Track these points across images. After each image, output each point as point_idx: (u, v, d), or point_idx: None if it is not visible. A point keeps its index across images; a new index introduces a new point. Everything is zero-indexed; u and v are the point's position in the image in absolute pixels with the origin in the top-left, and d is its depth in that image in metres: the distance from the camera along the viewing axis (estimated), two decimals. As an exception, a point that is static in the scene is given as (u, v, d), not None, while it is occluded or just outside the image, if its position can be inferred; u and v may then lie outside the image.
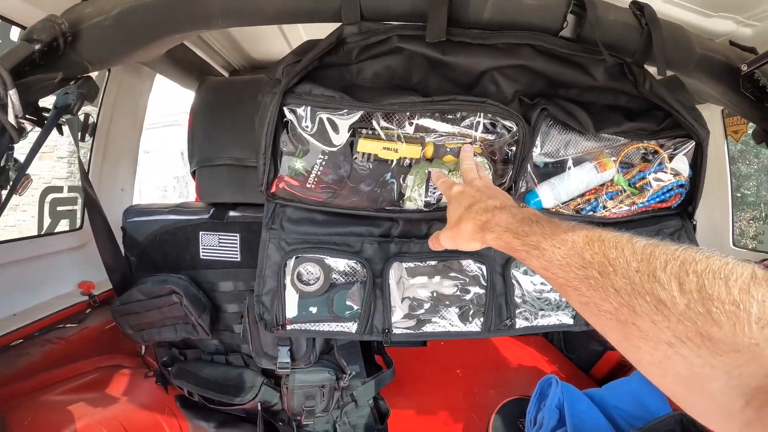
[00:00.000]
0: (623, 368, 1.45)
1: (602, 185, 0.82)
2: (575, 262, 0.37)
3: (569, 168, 0.81)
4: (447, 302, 0.86)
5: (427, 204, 0.79)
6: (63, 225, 1.40)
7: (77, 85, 0.72)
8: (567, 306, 0.88)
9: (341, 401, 1.15)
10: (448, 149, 0.77)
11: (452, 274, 0.86)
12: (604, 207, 0.82)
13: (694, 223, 0.88)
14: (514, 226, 0.47)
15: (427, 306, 0.85)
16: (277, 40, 1.44)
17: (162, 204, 1.11)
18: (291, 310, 0.83)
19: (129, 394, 1.09)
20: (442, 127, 0.74)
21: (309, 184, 0.77)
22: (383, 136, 0.74)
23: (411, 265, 0.85)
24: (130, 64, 1.23)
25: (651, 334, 0.29)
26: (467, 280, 0.86)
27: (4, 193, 0.68)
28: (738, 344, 0.25)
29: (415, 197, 0.78)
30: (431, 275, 0.85)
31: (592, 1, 0.67)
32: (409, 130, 0.74)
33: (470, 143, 0.76)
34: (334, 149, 0.74)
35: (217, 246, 1.04)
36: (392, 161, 0.76)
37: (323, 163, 0.75)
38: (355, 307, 0.84)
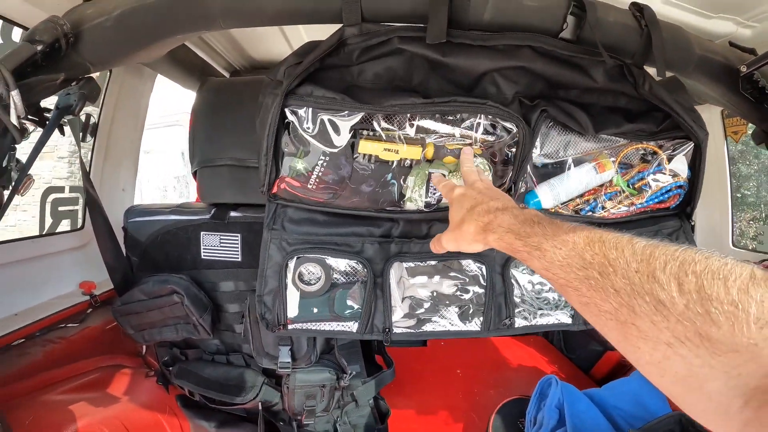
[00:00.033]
0: (623, 368, 1.45)
1: (601, 186, 0.82)
2: (576, 263, 0.37)
3: (569, 169, 0.81)
4: (447, 302, 0.86)
5: (427, 204, 0.79)
6: (64, 225, 1.41)
7: (79, 85, 0.72)
8: (566, 305, 0.88)
9: (342, 401, 1.15)
10: (449, 150, 0.77)
11: (452, 274, 0.86)
12: (603, 207, 0.82)
13: (693, 223, 0.88)
14: (516, 227, 0.47)
15: (427, 305, 0.86)
16: (278, 41, 1.44)
17: (163, 204, 1.12)
18: (292, 309, 0.83)
19: (130, 394, 1.09)
20: (443, 128, 0.74)
21: (310, 184, 0.78)
22: (384, 137, 0.74)
23: (411, 264, 0.85)
24: (131, 64, 1.24)
25: (650, 334, 0.30)
26: (467, 279, 0.86)
27: (6, 193, 0.68)
28: (736, 344, 0.25)
29: (415, 198, 0.78)
30: (431, 275, 0.85)
31: (592, 2, 0.68)
32: (410, 131, 0.74)
33: (470, 145, 0.76)
34: (335, 150, 0.74)
35: (218, 246, 1.04)
36: (393, 162, 0.76)
37: (324, 163, 0.76)
38: (356, 307, 0.84)
